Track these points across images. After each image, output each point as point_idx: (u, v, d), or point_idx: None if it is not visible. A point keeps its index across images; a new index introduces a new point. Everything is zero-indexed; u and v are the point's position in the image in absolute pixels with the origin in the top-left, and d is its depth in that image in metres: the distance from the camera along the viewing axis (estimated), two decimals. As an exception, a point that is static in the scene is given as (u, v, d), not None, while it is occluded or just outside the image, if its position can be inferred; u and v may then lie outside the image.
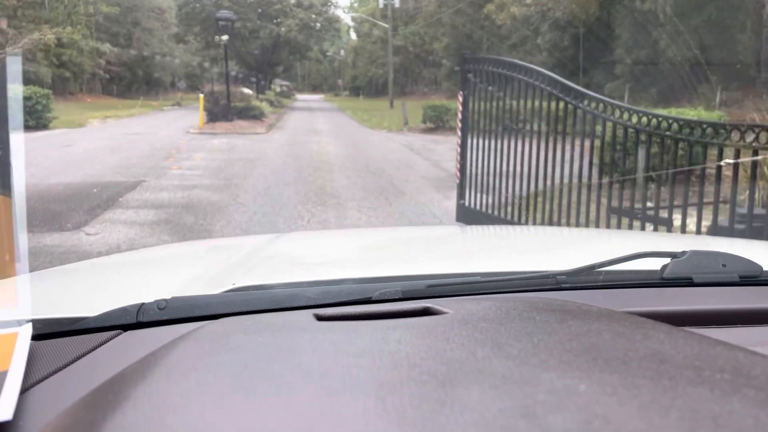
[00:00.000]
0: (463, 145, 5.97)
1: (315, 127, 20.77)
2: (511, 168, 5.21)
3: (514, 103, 5.43)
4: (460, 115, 6.11)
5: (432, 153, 13.59)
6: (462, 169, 5.90)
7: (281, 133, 17.58)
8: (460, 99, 6.05)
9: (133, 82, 42.03)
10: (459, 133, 6.13)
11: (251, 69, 35.84)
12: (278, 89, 46.53)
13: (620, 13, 19.76)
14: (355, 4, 58.43)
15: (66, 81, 33.75)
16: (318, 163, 11.07)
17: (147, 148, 12.60)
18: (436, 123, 18.89)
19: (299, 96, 59.19)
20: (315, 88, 78.12)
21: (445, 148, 14.58)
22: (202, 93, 18.48)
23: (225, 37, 17.82)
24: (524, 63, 5.28)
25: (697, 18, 16.93)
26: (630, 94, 18.48)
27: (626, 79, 19.39)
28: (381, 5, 37.95)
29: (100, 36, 38.16)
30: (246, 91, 24.99)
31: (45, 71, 29.38)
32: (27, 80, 26.79)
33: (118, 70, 39.80)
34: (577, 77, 22.61)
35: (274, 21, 35.48)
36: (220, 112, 18.35)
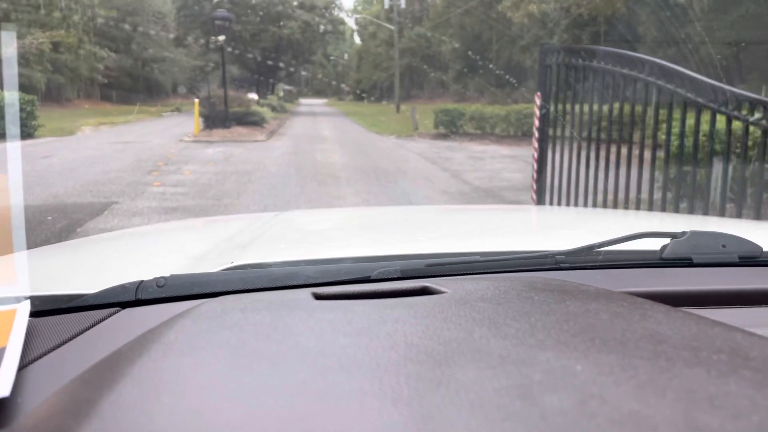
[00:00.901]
0: (541, 160, 4.58)
1: (319, 134, 19.36)
2: (610, 189, 3.79)
3: (611, 104, 4.00)
4: (537, 122, 4.71)
5: (449, 162, 12.18)
6: (540, 189, 4.51)
7: (283, 141, 16.17)
8: (538, 102, 4.63)
9: (133, 87, 40.68)
10: (535, 144, 4.74)
11: (254, 73, 34.47)
12: (281, 94, 45.20)
13: (644, 10, 18.31)
14: (359, 8, 57.15)
15: (62, 87, 32.42)
16: (323, 176, 9.66)
17: (132, 160, 11.20)
18: (449, 128, 17.46)
19: (303, 100, 57.91)
20: (318, 93, 76.94)
21: (462, 156, 13.16)
22: (198, 98, 17.05)
23: (222, 38, 16.43)
24: (632, 53, 3.85)
25: (733, 13, 15.47)
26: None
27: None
28: (387, 6, 36.56)
29: (99, 41, 36.89)
30: (250, 96, 23.68)
31: (39, 77, 28.09)
32: (19, 87, 25.50)
33: (117, 76, 38.47)
34: (597, 78, 21.13)
35: (277, 24, 34.09)
36: (218, 118, 16.96)
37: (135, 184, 8.37)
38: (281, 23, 33.66)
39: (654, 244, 0.94)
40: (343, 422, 0.36)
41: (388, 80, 48.76)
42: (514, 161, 12.17)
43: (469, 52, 33.68)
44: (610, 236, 0.92)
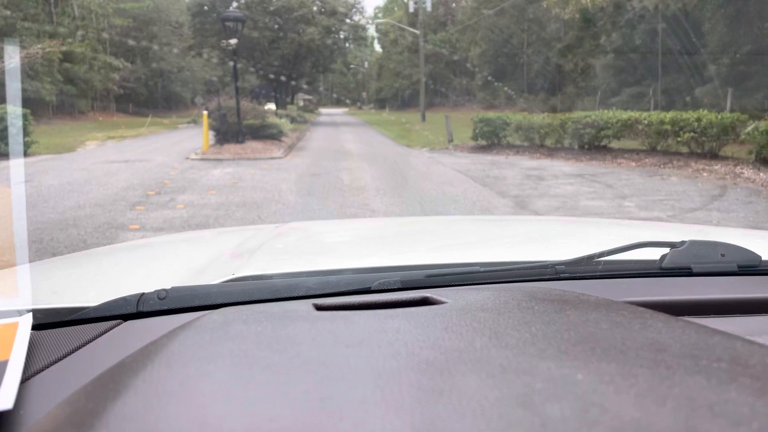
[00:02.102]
0: None
1: (342, 147, 17.11)
2: None
3: None
4: None
5: (503, 184, 9.85)
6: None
7: (303, 157, 13.94)
8: None
9: (150, 99, 38.90)
10: None
11: (272, 83, 32.39)
12: (301, 103, 43.21)
13: (713, 3, 15.77)
14: (380, 14, 55.09)
15: (75, 99, 30.59)
16: (354, 209, 7.38)
17: (121, 186, 9.04)
18: (490, 140, 15.11)
19: (322, 110, 55.99)
20: (338, 102, 75.18)
21: (516, 174, 10.80)
22: (206, 110, 14.88)
23: (233, 41, 14.27)
24: None
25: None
26: (733, 99, 14.43)
27: (722, 81, 15.35)
28: (411, 9, 34.29)
29: (115, 51, 35.19)
30: (268, 106, 21.60)
31: (49, 88, 26.26)
32: (25, 99, 23.65)
33: (133, 87, 36.69)
34: (653, 80, 18.63)
35: (297, 30, 31.97)
36: (230, 131, 14.79)
37: (105, 228, 6.15)
38: (301, 30, 31.54)
39: (654, 254, 0.92)
40: (345, 431, 0.35)
41: (410, 88, 46.55)
42: (584, 182, 9.78)
43: (499, 58, 31.30)
44: (610, 246, 0.90)
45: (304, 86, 40.34)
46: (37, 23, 27.41)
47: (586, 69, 21.03)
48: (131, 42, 34.97)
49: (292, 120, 22.81)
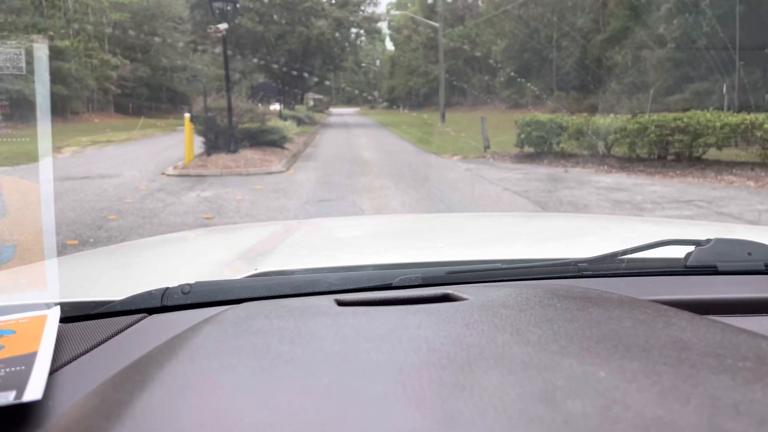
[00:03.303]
0: None
1: (357, 155, 14.10)
2: None
3: None
4: None
5: (577, 210, 6.82)
6: None
7: (309, 171, 10.95)
8: None
9: (151, 98, 36.06)
10: None
11: (278, 81, 29.41)
12: (311, 103, 40.27)
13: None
14: (392, 10, 51.98)
15: (66, 99, 27.72)
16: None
17: (42, 225, 6.09)
18: (539, 147, 12.06)
19: (333, 109, 53.07)
20: (349, 101, 72.22)
21: (593, 197, 7.75)
22: (190, 112, 11.89)
23: (224, 26, 11.32)
24: None
25: None
26: None
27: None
28: (430, 0, 31.14)
29: (113, 48, 32.44)
30: (273, 107, 18.71)
31: (33, 87, 23.47)
32: (9, 100, 20.95)
33: (133, 86, 33.91)
34: (723, 75, 15.48)
35: (305, 24, 28.94)
36: (221, 138, 11.84)
37: None
38: (310, 23, 28.49)
39: (678, 252, 0.89)
40: (366, 425, 0.35)
41: (425, 86, 43.46)
42: (708, 214, 6.70)
43: (525, 53, 28.17)
44: (633, 244, 0.87)
45: (314, 84, 37.34)
46: (25, 16, 24.61)
47: (636, 62, 17.94)
48: (131, 38, 32.14)
49: (299, 122, 19.81)
